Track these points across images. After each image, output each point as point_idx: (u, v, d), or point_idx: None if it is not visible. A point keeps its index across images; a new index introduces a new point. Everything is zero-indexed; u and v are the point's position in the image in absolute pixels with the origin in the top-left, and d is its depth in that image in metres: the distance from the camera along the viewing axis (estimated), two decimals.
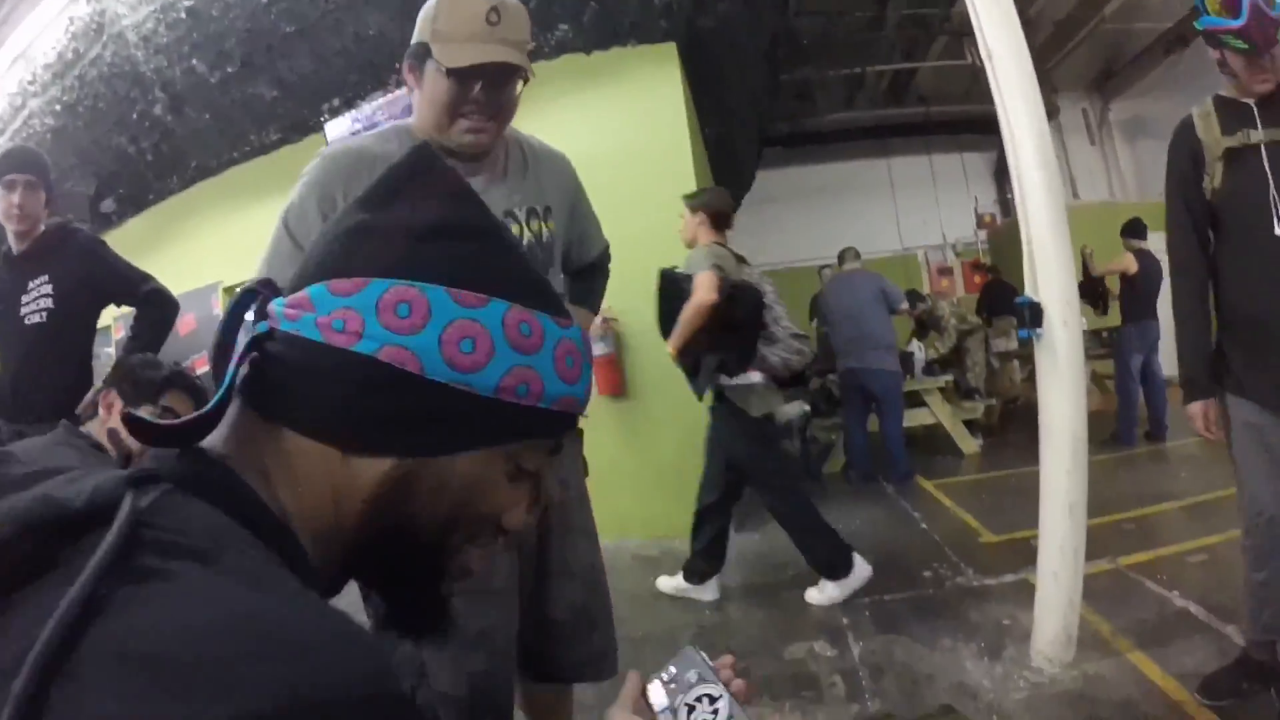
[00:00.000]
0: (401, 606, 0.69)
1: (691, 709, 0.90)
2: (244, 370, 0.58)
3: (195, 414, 0.56)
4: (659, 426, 4.46)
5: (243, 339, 0.59)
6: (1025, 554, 3.43)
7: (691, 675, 0.93)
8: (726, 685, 0.90)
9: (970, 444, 6.24)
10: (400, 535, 0.61)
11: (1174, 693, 2.29)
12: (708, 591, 3.60)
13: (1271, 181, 1.87)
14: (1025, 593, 3.06)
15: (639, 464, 4.56)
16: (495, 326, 0.59)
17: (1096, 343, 6.89)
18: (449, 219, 0.62)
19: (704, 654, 0.95)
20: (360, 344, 0.56)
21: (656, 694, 0.92)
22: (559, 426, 0.65)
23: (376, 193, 0.63)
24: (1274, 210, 1.86)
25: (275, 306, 0.59)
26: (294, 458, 0.58)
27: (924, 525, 4.29)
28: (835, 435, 6.24)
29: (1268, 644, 2.15)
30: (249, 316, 0.61)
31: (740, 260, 3.42)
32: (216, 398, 0.57)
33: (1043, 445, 2.59)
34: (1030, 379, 8.00)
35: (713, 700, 0.91)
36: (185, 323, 5.66)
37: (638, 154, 4.62)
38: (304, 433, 0.57)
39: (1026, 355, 7.94)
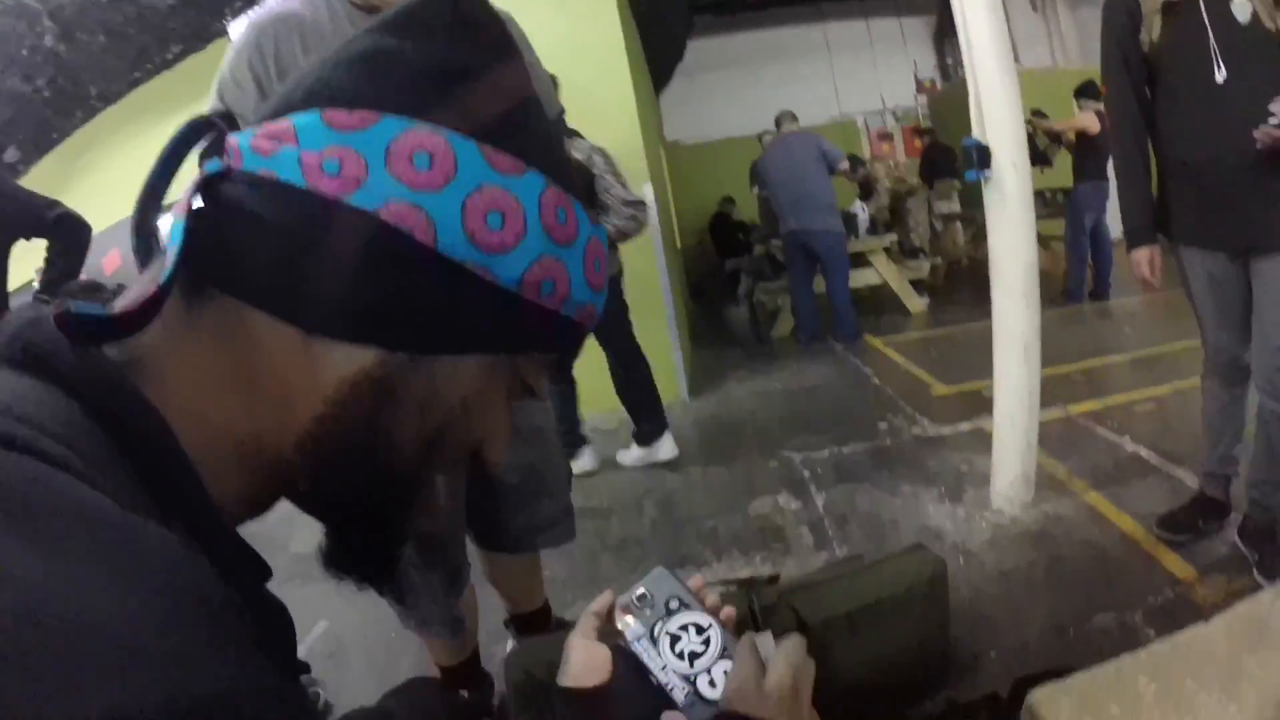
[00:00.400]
0: (348, 545, 0.53)
1: (676, 639, 0.81)
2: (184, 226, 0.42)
3: (134, 297, 0.41)
4: None
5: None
6: (977, 404, 3.48)
7: (670, 601, 0.84)
8: (715, 613, 0.81)
9: (917, 303, 6.28)
10: (365, 455, 0.47)
11: (1132, 531, 2.35)
12: (664, 449, 3.59)
13: (1210, 32, 1.82)
14: (980, 440, 3.11)
15: None
16: (531, 204, 0.46)
17: (1041, 203, 6.91)
18: (490, 67, 0.48)
19: (678, 574, 0.85)
20: (358, 194, 0.42)
21: (628, 620, 0.82)
22: (571, 340, 0.53)
23: (402, 20, 0.48)
24: (1214, 59, 1.82)
25: (239, 140, 0.45)
26: (231, 337, 0.44)
27: (876, 381, 4.31)
28: (782, 299, 6.22)
29: (1221, 480, 2.21)
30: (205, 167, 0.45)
31: (573, 134, 3.32)
32: (167, 272, 0.40)
33: (995, 288, 2.56)
34: (974, 240, 8.08)
35: (701, 630, 0.82)
36: (110, 260, 5.33)
37: (562, 28, 4.28)
38: (255, 304, 0.43)
39: (969, 217, 7.99)
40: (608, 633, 0.81)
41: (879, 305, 6.54)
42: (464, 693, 2.01)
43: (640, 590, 0.84)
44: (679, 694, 0.76)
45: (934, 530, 2.51)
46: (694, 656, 0.78)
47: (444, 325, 0.45)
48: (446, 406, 0.48)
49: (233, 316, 0.44)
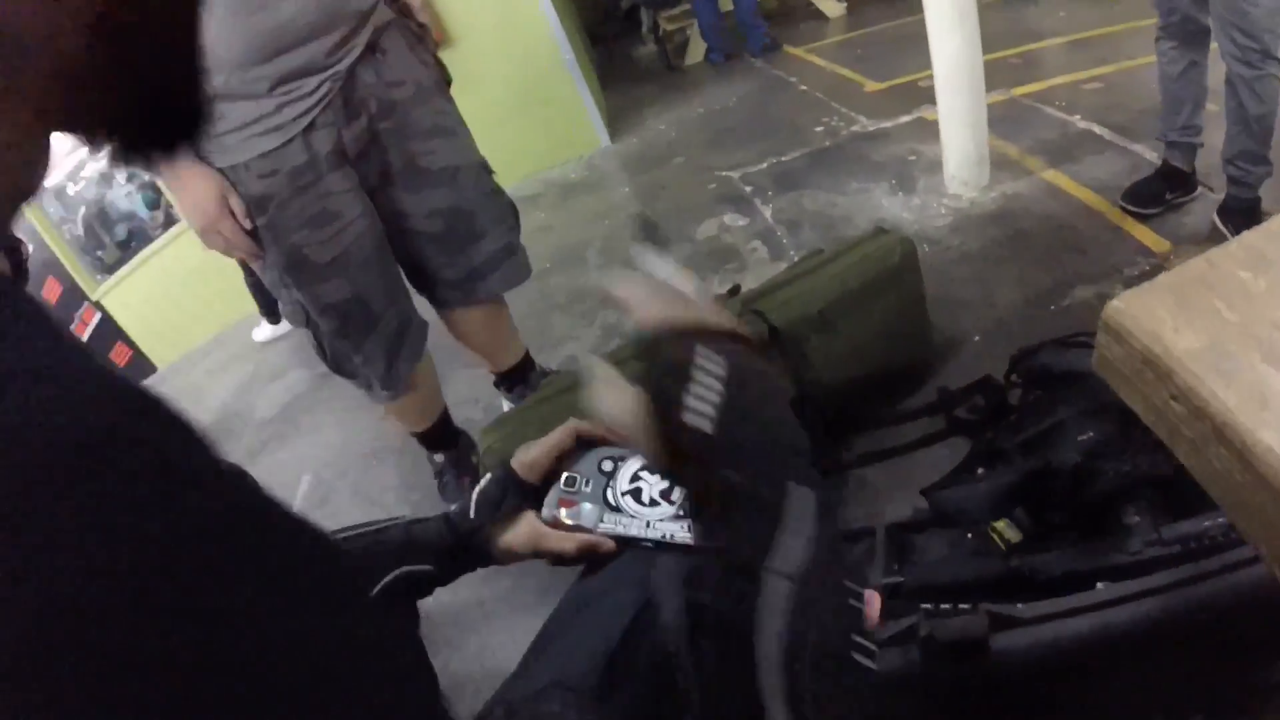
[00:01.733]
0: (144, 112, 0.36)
1: (636, 493, 0.75)
2: None
3: None
4: (491, 63, 3.90)
5: None
6: (914, 95, 3.27)
7: (602, 463, 0.78)
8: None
9: (833, 6, 5.82)
10: None
11: (1095, 204, 2.24)
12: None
13: None
14: (924, 129, 2.93)
15: (480, 107, 4.04)
16: None
17: None
18: None
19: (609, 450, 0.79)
20: None
21: (576, 510, 0.76)
22: None
23: None
24: None
25: None
26: None
27: (803, 87, 4.02)
28: (689, 26, 5.73)
29: (1186, 150, 2.07)
30: None
31: None
32: None
33: None
34: None
35: (653, 470, 0.76)
36: None
37: None
38: None
39: None
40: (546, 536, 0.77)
41: (792, 15, 6.06)
42: (440, 456, 1.96)
43: (565, 475, 0.78)
44: (684, 536, 0.71)
45: (891, 222, 2.37)
46: (668, 495, 0.73)
47: None
48: None
49: None
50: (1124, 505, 1.08)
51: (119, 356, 4.18)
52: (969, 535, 1.21)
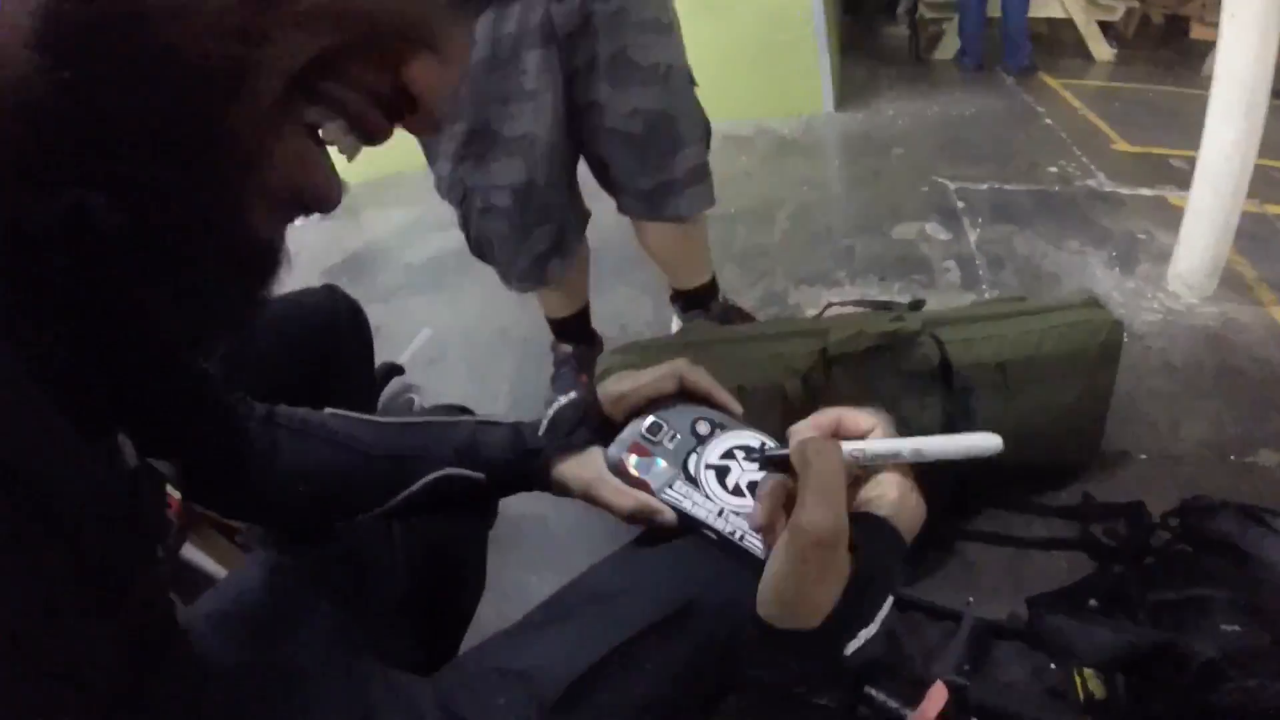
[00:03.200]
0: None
1: (723, 471, 0.63)
2: None
3: None
4: None
5: None
6: (1163, 171, 3.05)
7: (697, 424, 0.67)
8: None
9: (1103, 49, 5.44)
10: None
11: None
12: None
13: None
14: (1163, 211, 2.74)
15: (715, 34, 3.99)
16: None
17: None
18: None
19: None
20: None
21: (647, 462, 0.65)
22: None
23: None
24: None
25: None
26: None
27: (1048, 120, 3.81)
28: (948, 21, 5.47)
29: None
30: None
31: None
32: None
33: (1225, 19, 2.03)
34: None
35: (754, 453, 0.64)
36: None
37: None
38: None
39: None
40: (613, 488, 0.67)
41: (1056, 45, 5.70)
42: (569, 347, 1.97)
43: (649, 419, 0.67)
44: (755, 543, 0.58)
45: (1100, 297, 2.24)
46: (756, 488, 0.59)
47: None
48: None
49: None
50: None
51: None
52: (1052, 665, 1.12)
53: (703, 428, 0.67)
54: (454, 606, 0.96)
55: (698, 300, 1.94)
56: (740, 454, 0.65)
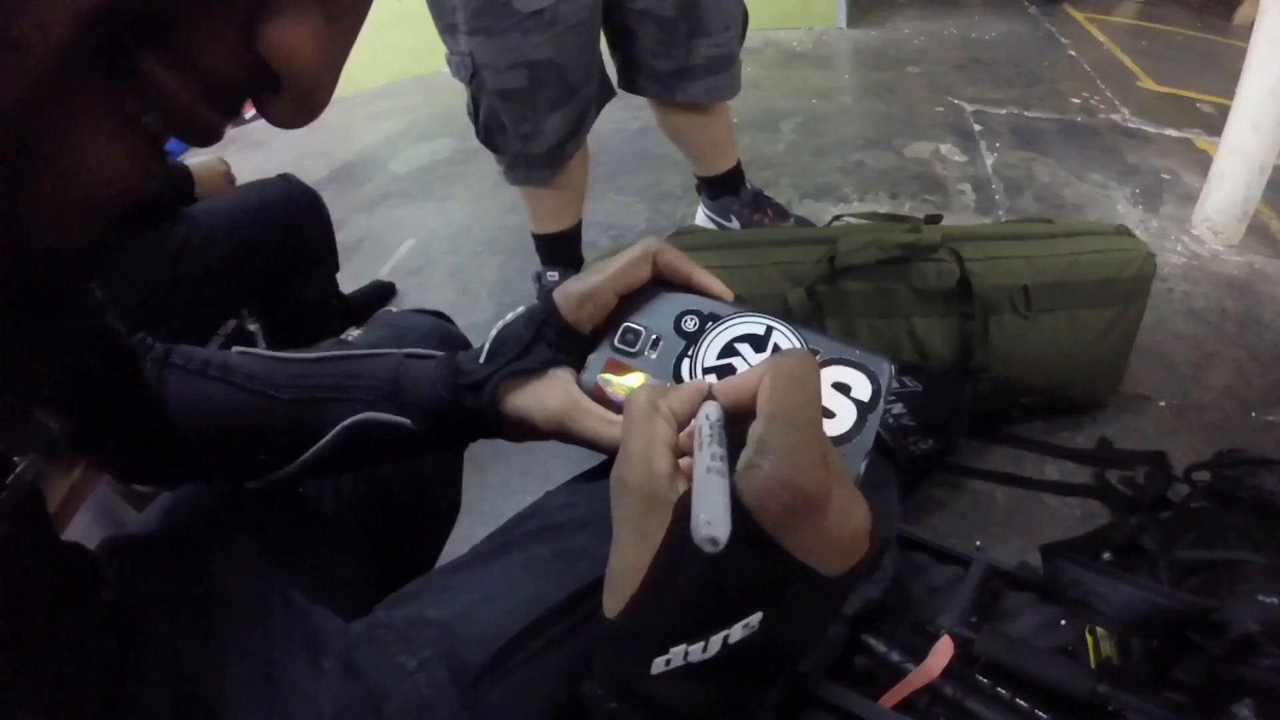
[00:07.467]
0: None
1: (725, 371, 0.50)
2: None
3: None
4: None
5: None
6: (1191, 114, 2.87)
7: (684, 320, 0.53)
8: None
9: None
10: None
11: None
12: None
13: None
14: (1189, 154, 2.58)
15: None
16: None
17: None
18: None
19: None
20: None
21: (629, 380, 0.53)
22: None
23: None
24: None
25: None
26: None
27: (1072, 52, 3.60)
28: None
29: None
30: None
31: None
32: None
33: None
34: None
35: (761, 342, 0.51)
36: None
37: None
38: None
39: None
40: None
41: None
42: (553, 274, 1.82)
43: (623, 327, 0.54)
44: None
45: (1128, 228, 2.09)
46: None
47: None
48: None
49: None
50: (1244, 696, 0.84)
51: None
52: (1063, 621, 1.00)
53: (689, 323, 0.54)
54: (419, 534, 0.81)
55: (724, 186, 1.86)
56: (745, 347, 0.52)
